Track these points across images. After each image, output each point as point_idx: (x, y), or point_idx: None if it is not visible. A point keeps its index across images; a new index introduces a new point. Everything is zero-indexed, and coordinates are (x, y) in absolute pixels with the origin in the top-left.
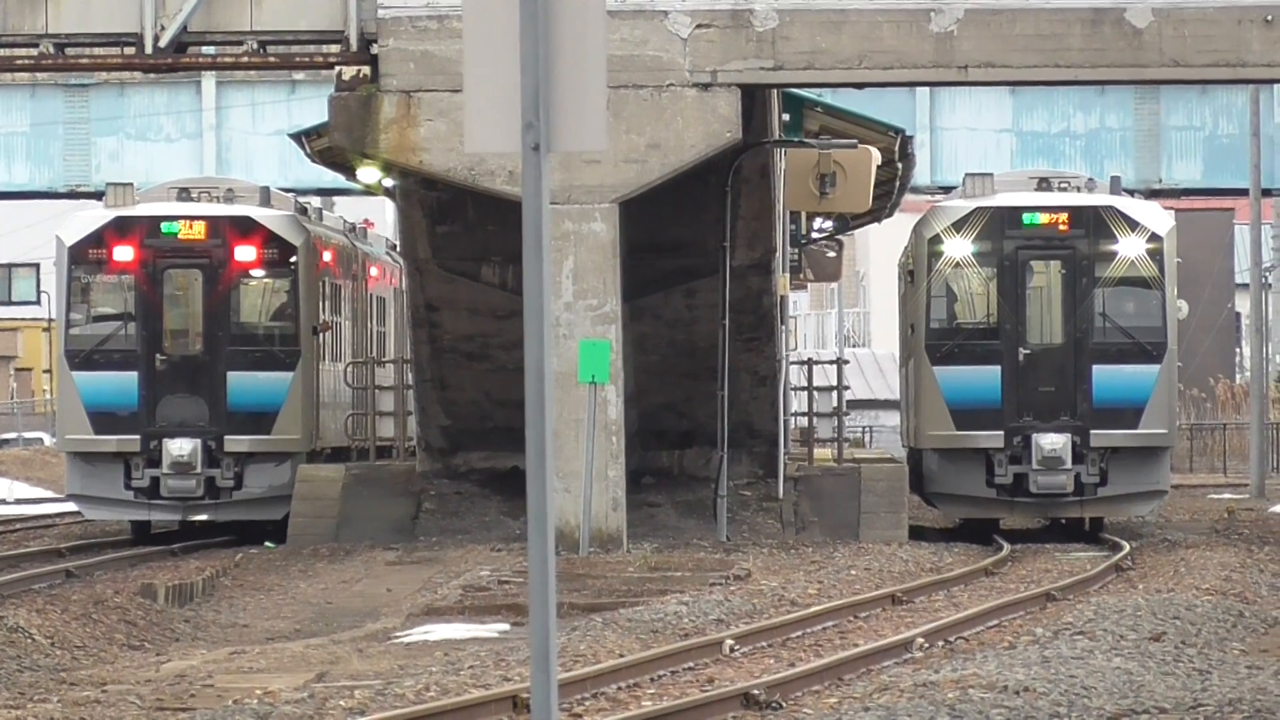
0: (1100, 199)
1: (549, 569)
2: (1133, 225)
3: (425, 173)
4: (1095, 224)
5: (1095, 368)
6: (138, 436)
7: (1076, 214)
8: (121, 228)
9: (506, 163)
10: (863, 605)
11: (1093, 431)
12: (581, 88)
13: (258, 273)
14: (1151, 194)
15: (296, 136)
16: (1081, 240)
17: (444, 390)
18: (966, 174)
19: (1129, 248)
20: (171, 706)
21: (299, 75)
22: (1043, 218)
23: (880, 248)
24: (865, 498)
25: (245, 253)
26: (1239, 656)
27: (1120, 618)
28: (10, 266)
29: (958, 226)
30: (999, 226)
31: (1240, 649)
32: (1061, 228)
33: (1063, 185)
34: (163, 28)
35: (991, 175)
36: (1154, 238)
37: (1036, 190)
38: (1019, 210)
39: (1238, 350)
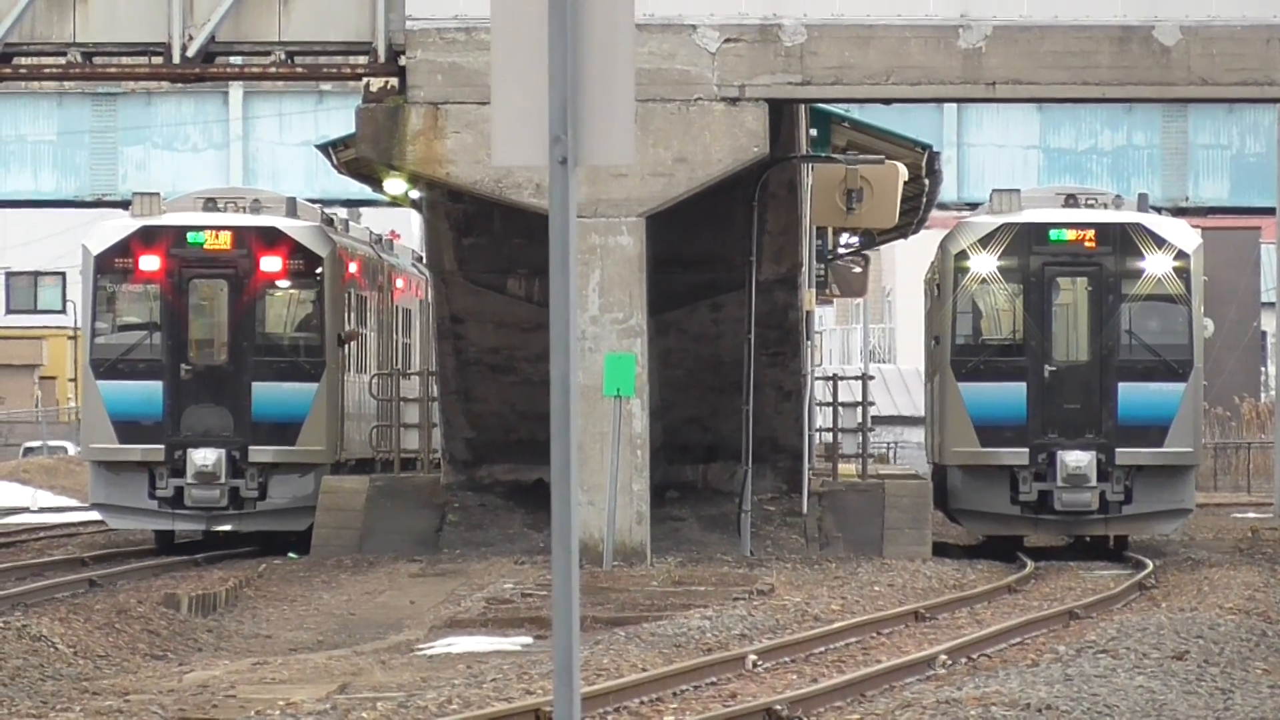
0: (1127, 216)
1: (573, 582)
2: (1160, 243)
3: (452, 185)
4: (1122, 241)
5: (1121, 385)
6: (162, 446)
7: (1103, 231)
8: (148, 237)
9: (534, 175)
10: (886, 621)
11: (1118, 449)
12: (609, 101)
13: (283, 283)
14: (1178, 212)
15: (323, 147)
16: (1108, 257)
17: (469, 402)
18: (993, 190)
19: (1156, 265)
20: (194, 717)
21: (326, 86)
22: (1069, 234)
23: (906, 263)
24: (889, 514)
25: (271, 263)
26: (1261, 676)
27: (1143, 636)
28: (36, 275)
29: (984, 242)
30: (1025, 243)
31: (1263, 668)
32: (1088, 244)
33: (1090, 202)
34: (190, 37)
35: (1018, 191)
36: (1181, 255)
37: (1064, 207)
38: (1046, 226)
39: (1263, 369)
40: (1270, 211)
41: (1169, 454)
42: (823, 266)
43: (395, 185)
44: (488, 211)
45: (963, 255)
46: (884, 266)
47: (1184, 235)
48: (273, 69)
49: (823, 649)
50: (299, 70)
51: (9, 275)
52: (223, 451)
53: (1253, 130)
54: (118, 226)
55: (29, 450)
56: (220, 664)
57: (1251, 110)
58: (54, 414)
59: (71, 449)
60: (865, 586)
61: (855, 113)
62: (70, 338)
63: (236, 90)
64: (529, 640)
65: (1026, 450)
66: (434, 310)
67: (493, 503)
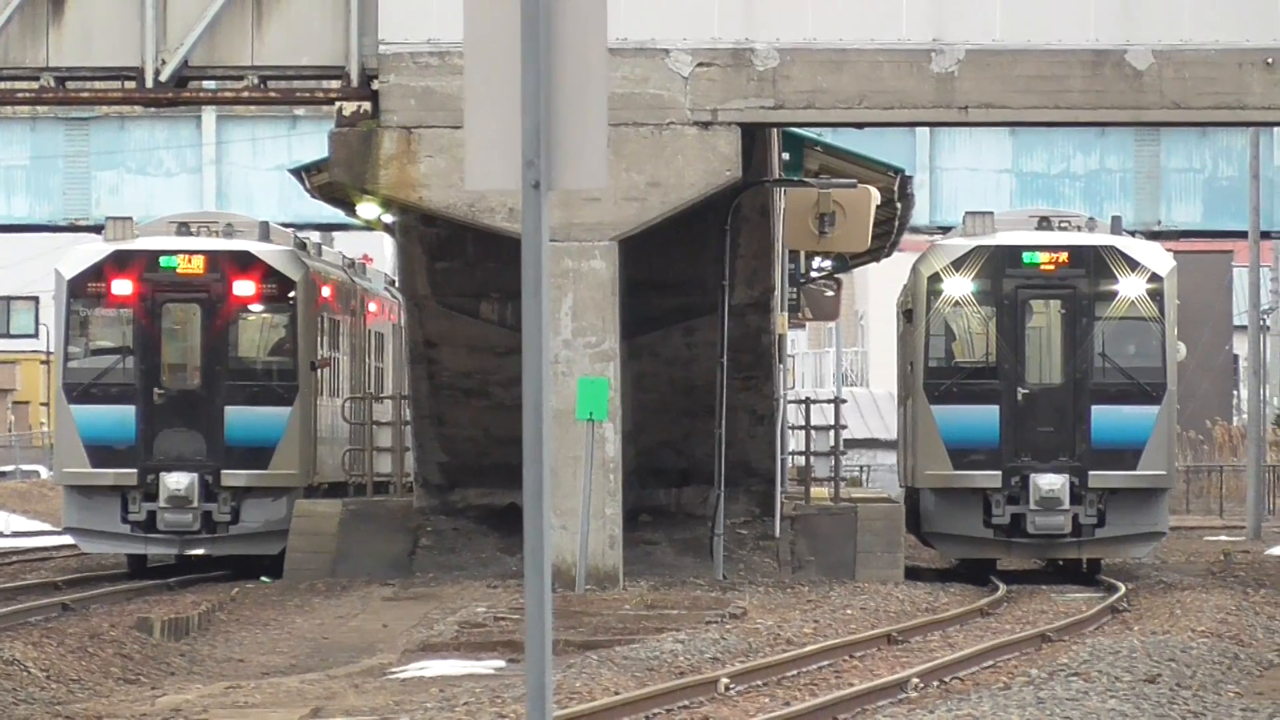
0: (1101, 238)
1: (545, 606)
2: (1133, 265)
3: (425, 209)
4: (1096, 263)
5: (1094, 408)
6: (135, 470)
7: (1077, 253)
8: (120, 261)
9: (507, 200)
10: (858, 645)
11: (1091, 472)
12: (582, 126)
13: (256, 307)
14: (1151, 236)
15: (296, 172)
16: (1081, 280)
17: (442, 426)
18: (966, 212)
19: (1129, 288)
20: None
21: (300, 110)
22: (1043, 257)
23: (879, 287)
24: (862, 537)
25: (244, 287)
26: (1234, 699)
27: (1115, 659)
28: (9, 299)
29: (957, 265)
30: (999, 265)
31: (1235, 691)
32: (1062, 267)
33: (1063, 224)
34: (163, 62)
35: (992, 214)
36: (1154, 278)
37: (1037, 229)
38: (1019, 249)
39: (1235, 392)
40: (1243, 235)
41: (1142, 477)
42: (795, 290)
43: (368, 209)
44: (461, 236)
45: (936, 278)
46: (856, 290)
47: (1157, 258)
48: (246, 93)
49: (795, 672)
50: (272, 95)
51: None
52: (195, 475)
53: (1225, 154)
54: (91, 251)
55: (2, 474)
56: (193, 688)
57: (1224, 134)
58: (27, 438)
59: (45, 473)
60: (838, 610)
61: (828, 137)
62: (43, 362)
63: (209, 114)
64: (502, 664)
65: (999, 473)
66: (407, 334)
67: (466, 527)
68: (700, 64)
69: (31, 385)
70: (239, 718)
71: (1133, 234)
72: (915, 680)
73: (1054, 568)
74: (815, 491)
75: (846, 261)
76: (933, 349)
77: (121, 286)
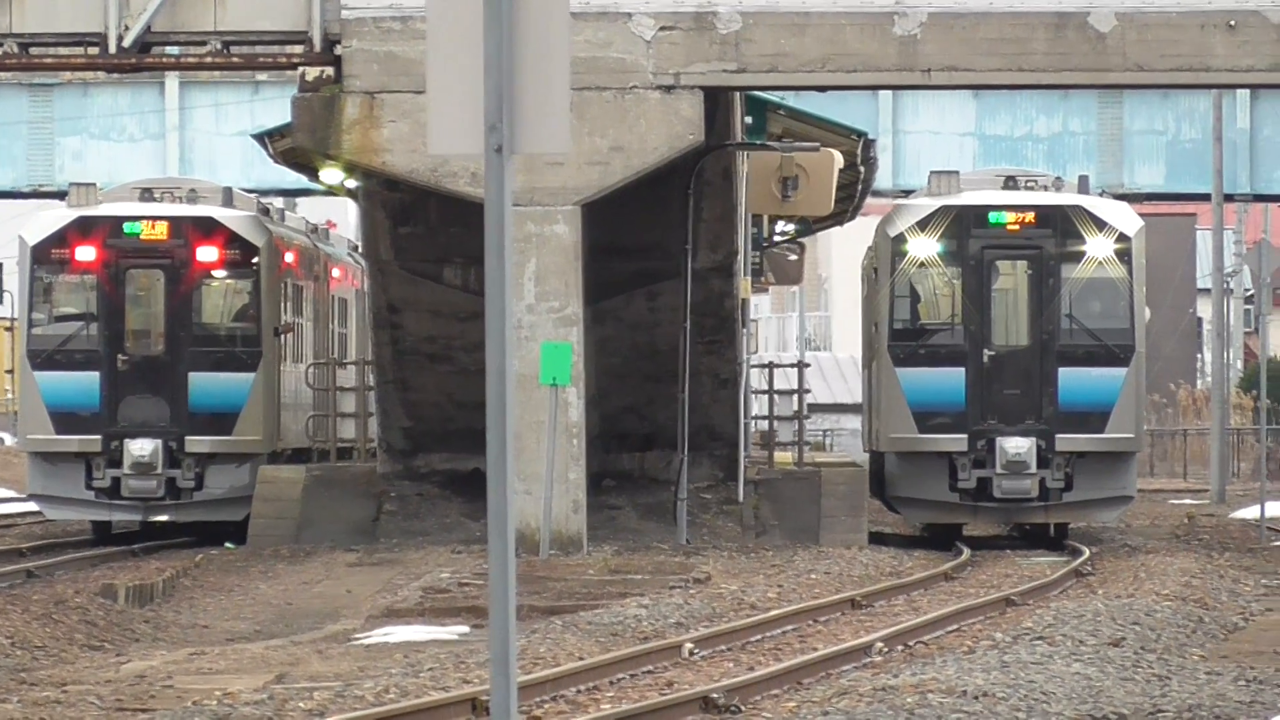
0: (1068, 198)
1: (509, 571)
2: (1100, 225)
3: (388, 174)
4: (1063, 223)
5: (1061, 370)
6: (99, 436)
7: (1044, 213)
8: (84, 228)
9: (469, 164)
10: (822, 609)
11: (1058, 435)
12: (545, 90)
13: (220, 273)
14: (1115, 198)
15: (259, 137)
16: (1048, 240)
17: (405, 392)
18: (932, 172)
19: (1097, 248)
20: (131, 707)
21: (262, 76)
22: (1009, 217)
23: (842, 251)
24: (825, 501)
25: (207, 253)
26: (1198, 662)
27: (1080, 623)
28: None
29: (922, 225)
30: (964, 225)
31: (1200, 655)
32: (1028, 227)
33: (1030, 184)
34: (126, 28)
35: (957, 173)
36: (1122, 238)
37: (1003, 189)
38: (985, 209)
39: (1199, 356)
40: (1206, 198)
41: (1110, 440)
42: (758, 254)
43: (331, 175)
44: (424, 201)
45: (901, 238)
46: (820, 254)
47: (1125, 217)
48: (209, 59)
49: (759, 637)
50: (235, 60)
51: None
52: (159, 442)
53: (1188, 116)
54: (54, 217)
55: None
56: (157, 654)
57: (1187, 96)
58: None
59: (9, 440)
60: (802, 574)
61: (791, 100)
62: (7, 329)
63: (173, 80)
64: (466, 629)
65: (965, 437)
66: (370, 299)
67: (430, 492)
68: (663, 28)
69: None
70: (203, 684)
71: (1100, 194)
72: (879, 644)
73: (1021, 532)
74: (779, 456)
75: (809, 225)
76: (897, 311)
77: (85, 253)
